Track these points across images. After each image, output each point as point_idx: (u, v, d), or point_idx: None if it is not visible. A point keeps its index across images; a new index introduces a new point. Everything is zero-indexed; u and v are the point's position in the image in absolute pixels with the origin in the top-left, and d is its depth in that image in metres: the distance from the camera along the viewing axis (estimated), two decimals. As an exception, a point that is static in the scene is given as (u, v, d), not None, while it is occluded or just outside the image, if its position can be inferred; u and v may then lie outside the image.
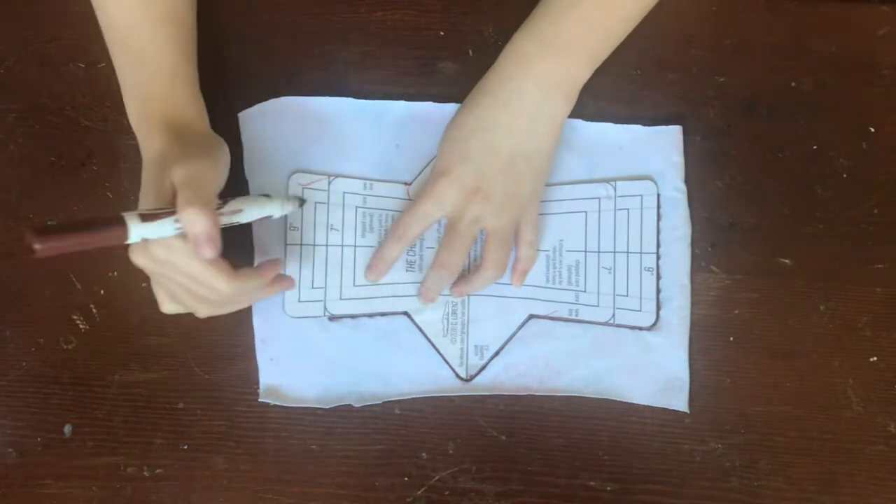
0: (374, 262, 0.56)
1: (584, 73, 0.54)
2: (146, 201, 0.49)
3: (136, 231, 0.44)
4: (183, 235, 0.46)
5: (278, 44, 0.59)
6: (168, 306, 0.52)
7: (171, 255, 0.47)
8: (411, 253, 0.57)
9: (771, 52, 0.59)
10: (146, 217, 0.45)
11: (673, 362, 0.56)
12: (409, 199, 0.58)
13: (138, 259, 0.48)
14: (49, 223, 0.43)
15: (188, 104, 0.53)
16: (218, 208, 0.48)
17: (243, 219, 0.50)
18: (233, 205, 0.50)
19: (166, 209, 0.46)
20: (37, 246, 0.41)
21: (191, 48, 0.54)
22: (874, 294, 0.57)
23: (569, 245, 0.57)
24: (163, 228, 0.45)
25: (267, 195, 0.53)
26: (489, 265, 0.55)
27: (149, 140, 0.51)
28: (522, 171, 0.53)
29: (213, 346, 0.56)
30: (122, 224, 0.44)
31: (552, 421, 0.56)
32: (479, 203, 0.53)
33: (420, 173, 0.58)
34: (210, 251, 0.46)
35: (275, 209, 0.52)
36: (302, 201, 0.55)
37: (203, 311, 0.51)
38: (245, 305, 0.53)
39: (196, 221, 0.45)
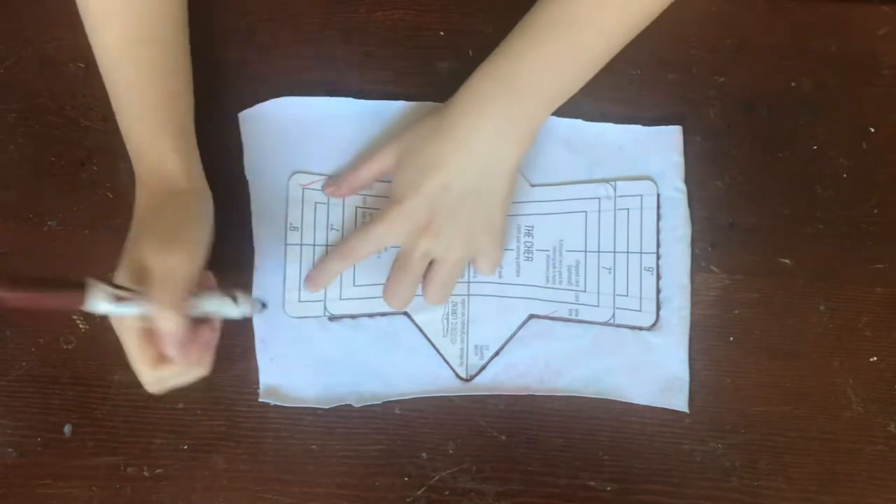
0: (315, 274, 0.56)
1: (540, 116, 0.53)
2: (121, 266, 0.49)
3: (100, 307, 0.45)
4: (141, 316, 0.46)
5: (278, 44, 0.59)
6: None
7: (118, 325, 0.48)
8: (411, 253, 0.57)
9: (771, 52, 0.59)
10: (119, 298, 0.46)
11: (673, 362, 0.56)
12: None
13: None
14: (16, 276, 0.44)
15: (170, 156, 0.52)
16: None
17: (198, 313, 0.49)
18: (194, 303, 0.48)
19: (136, 292, 0.46)
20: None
21: (180, 93, 0.54)
22: (874, 294, 0.57)
23: (569, 245, 0.57)
24: (127, 310, 0.46)
25: (233, 296, 0.51)
26: (429, 296, 0.54)
27: (137, 196, 0.52)
28: (473, 211, 0.53)
29: (213, 346, 0.56)
30: (81, 294, 0.45)
31: (552, 421, 0.56)
32: (429, 238, 0.52)
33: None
34: (174, 351, 0.46)
35: (233, 311, 0.51)
36: (263, 306, 0.55)
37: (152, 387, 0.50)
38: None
39: (168, 322, 0.45)
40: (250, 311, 0.52)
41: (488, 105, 0.52)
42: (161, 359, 0.48)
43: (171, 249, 0.48)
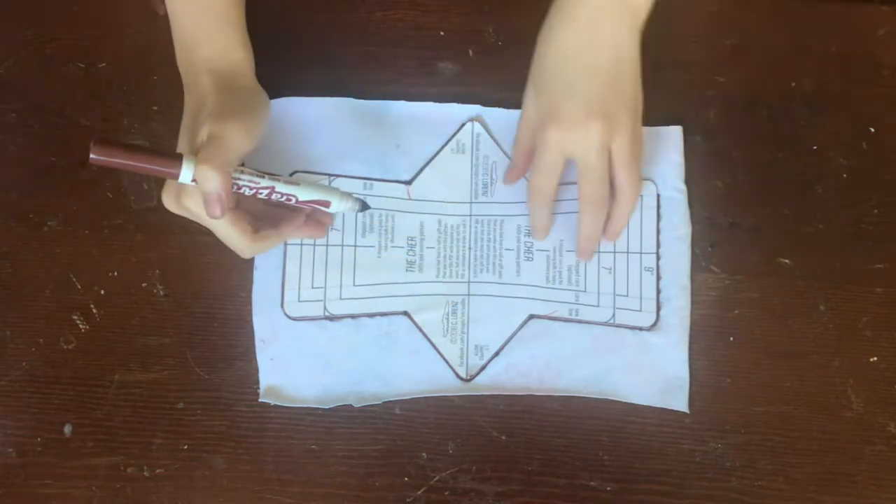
0: (535, 229, 0.57)
1: None
2: (182, 143, 0.49)
3: (188, 174, 0.45)
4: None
5: (278, 44, 0.59)
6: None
7: (201, 210, 0.47)
8: (411, 253, 0.57)
9: (771, 52, 0.59)
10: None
11: (673, 362, 0.56)
12: (409, 199, 0.58)
13: (170, 206, 0.49)
14: (112, 138, 0.44)
15: (235, 48, 0.53)
16: (255, 175, 0.49)
17: (299, 195, 0.50)
18: (286, 178, 0.49)
19: None
20: (93, 154, 0.42)
21: None
22: (874, 294, 0.57)
23: (569, 245, 0.57)
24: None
25: (336, 188, 0.52)
26: (584, 196, 0.53)
27: (193, 85, 0.51)
28: (623, 80, 0.51)
29: (213, 346, 0.56)
30: (178, 162, 0.45)
31: (552, 421, 0.56)
32: (598, 130, 0.50)
33: (420, 172, 0.58)
34: (216, 210, 0.46)
35: (336, 203, 0.51)
36: (364, 206, 0.53)
37: (246, 251, 0.51)
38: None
39: (209, 179, 0.45)
40: (351, 207, 0.52)
41: None
42: (253, 229, 0.49)
43: (226, 118, 0.48)
